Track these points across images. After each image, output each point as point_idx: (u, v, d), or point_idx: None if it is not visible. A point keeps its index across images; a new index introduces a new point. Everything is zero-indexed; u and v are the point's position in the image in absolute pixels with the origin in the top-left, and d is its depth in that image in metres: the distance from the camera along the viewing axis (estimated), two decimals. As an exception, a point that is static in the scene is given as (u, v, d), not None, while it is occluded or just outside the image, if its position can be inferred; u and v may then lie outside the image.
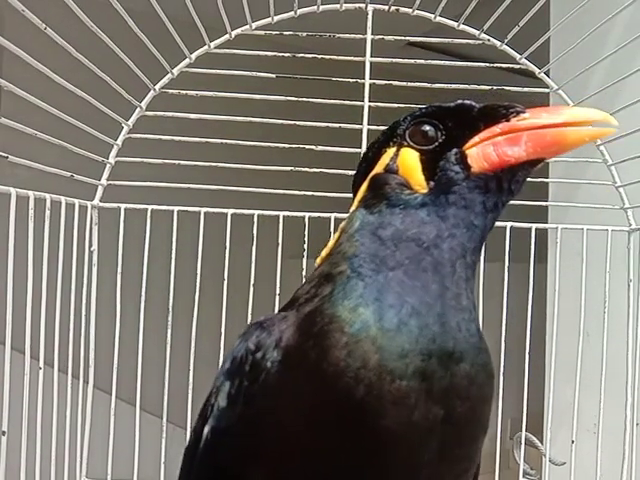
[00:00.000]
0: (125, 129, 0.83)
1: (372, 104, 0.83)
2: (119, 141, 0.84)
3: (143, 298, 0.83)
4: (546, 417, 0.90)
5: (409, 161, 0.45)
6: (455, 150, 0.43)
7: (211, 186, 0.86)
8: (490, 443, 0.82)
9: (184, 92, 0.84)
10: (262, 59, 0.86)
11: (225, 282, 0.85)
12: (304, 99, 0.85)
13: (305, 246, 0.84)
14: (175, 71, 0.83)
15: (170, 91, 0.83)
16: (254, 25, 0.83)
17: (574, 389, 0.84)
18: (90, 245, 0.81)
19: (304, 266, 0.82)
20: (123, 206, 0.84)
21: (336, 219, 0.82)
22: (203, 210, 0.84)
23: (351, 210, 0.47)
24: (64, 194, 0.72)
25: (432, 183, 0.43)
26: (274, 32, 0.84)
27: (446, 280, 0.41)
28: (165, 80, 0.83)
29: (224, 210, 0.85)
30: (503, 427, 0.85)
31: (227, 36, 0.83)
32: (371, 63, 0.84)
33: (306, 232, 0.85)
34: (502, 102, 0.44)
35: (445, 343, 0.39)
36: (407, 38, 0.87)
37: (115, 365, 0.83)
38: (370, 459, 0.39)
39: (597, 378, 0.83)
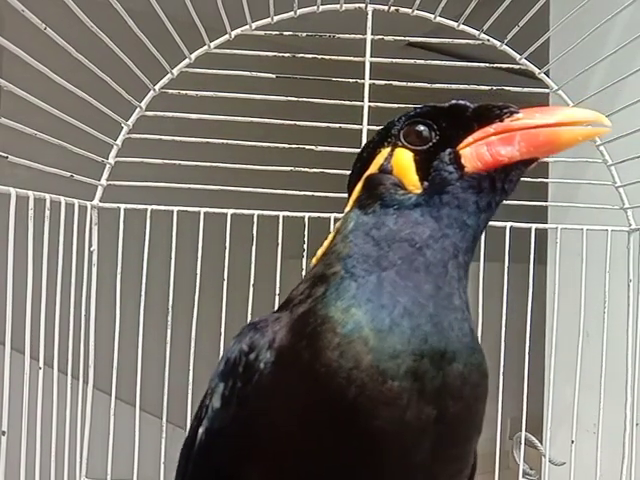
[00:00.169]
0: (125, 129, 0.83)
1: (372, 104, 0.83)
2: (119, 141, 0.84)
3: (143, 298, 0.83)
4: (546, 417, 0.90)
5: (403, 161, 0.45)
6: (449, 150, 0.43)
7: (211, 186, 0.86)
8: (490, 443, 0.82)
9: (184, 92, 0.84)
10: (262, 59, 0.86)
11: (225, 282, 0.85)
12: (304, 99, 0.85)
13: (305, 246, 0.84)
14: (175, 71, 0.83)
15: (170, 91, 0.83)
16: (254, 25, 0.83)
17: (574, 389, 0.84)
18: (90, 245, 0.81)
19: (304, 266, 0.82)
20: (123, 206, 0.84)
21: (336, 219, 0.82)
22: (203, 210, 0.84)
23: (346, 210, 0.47)
24: (64, 194, 0.72)
25: (426, 183, 0.43)
26: (274, 32, 0.84)
27: (438, 280, 0.41)
28: (165, 80, 0.83)
29: (224, 210, 0.85)
30: (503, 427, 0.85)
31: (227, 36, 0.83)
32: (371, 63, 0.84)
33: (306, 232, 0.85)
34: (496, 102, 0.44)
35: (437, 343, 0.39)
36: (407, 38, 0.87)
37: (115, 365, 0.83)
38: (363, 459, 0.39)
39: (597, 378, 0.83)
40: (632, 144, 0.78)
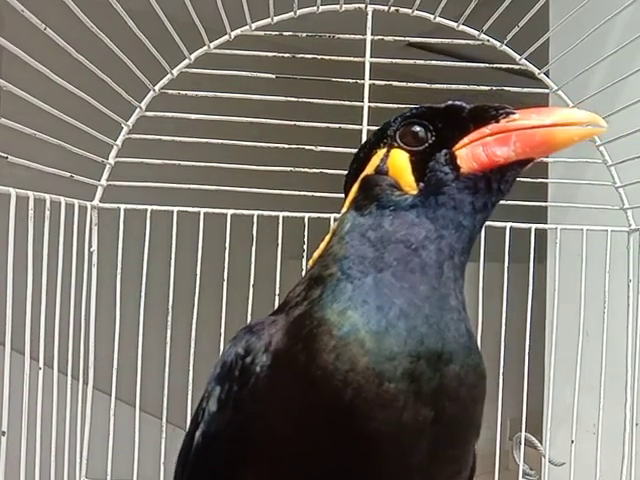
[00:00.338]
0: (125, 129, 0.83)
1: (372, 104, 0.83)
2: (119, 141, 0.84)
3: (143, 298, 0.83)
4: (546, 417, 0.90)
5: (399, 162, 0.45)
6: (445, 151, 0.43)
7: (211, 186, 0.86)
8: (490, 443, 0.82)
9: (184, 92, 0.84)
10: (262, 59, 0.86)
11: (225, 282, 0.85)
12: (304, 99, 0.85)
13: (305, 246, 0.84)
14: (175, 71, 0.83)
15: (170, 91, 0.83)
16: (254, 26, 0.83)
17: (574, 389, 0.84)
18: (90, 245, 0.81)
19: (304, 266, 0.82)
20: (123, 206, 0.84)
21: (335, 219, 0.81)
22: (203, 210, 0.84)
23: (342, 211, 0.47)
24: (64, 194, 0.72)
25: (422, 184, 0.43)
26: (274, 33, 0.84)
27: (434, 281, 0.41)
28: (165, 81, 0.83)
29: (224, 210, 0.85)
30: (502, 427, 0.85)
31: (227, 37, 0.83)
32: (371, 63, 0.84)
33: (305, 232, 0.85)
34: (492, 103, 0.44)
35: (434, 344, 0.39)
36: (407, 39, 0.87)
37: (115, 366, 0.83)
38: (360, 461, 0.39)
39: (597, 378, 0.83)
40: (632, 144, 0.78)
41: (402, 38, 0.86)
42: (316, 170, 0.86)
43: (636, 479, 0.82)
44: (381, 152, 0.46)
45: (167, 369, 0.83)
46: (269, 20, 0.82)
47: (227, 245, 0.84)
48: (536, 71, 0.85)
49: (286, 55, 0.86)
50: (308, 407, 0.39)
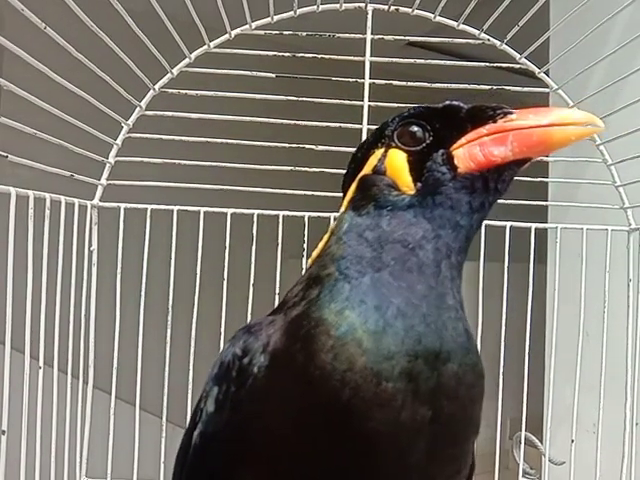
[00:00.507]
0: (125, 129, 0.83)
1: (372, 104, 0.83)
2: (119, 141, 0.84)
3: (143, 298, 0.83)
4: (546, 417, 0.90)
5: (397, 162, 0.45)
6: (442, 151, 0.43)
7: (211, 186, 0.86)
8: (490, 443, 0.82)
9: (184, 92, 0.84)
10: (262, 59, 0.86)
11: (225, 282, 0.85)
12: (304, 99, 0.85)
13: (305, 246, 0.84)
14: (175, 71, 0.83)
15: (170, 91, 0.83)
16: (254, 25, 0.83)
17: (574, 389, 0.84)
18: (90, 245, 0.81)
19: (304, 266, 0.82)
20: (123, 206, 0.84)
21: (335, 219, 0.82)
22: (203, 210, 0.84)
23: (340, 211, 0.47)
24: (64, 194, 0.73)
25: (419, 184, 0.43)
26: (274, 32, 0.84)
27: (431, 280, 0.41)
28: (165, 80, 0.83)
29: (224, 210, 0.85)
30: (502, 427, 0.85)
31: (227, 36, 0.83)
32: (371, 63, 0.84)
33: (306, 232, 0.85)
34: (490, 103, 0.44)
35: (431, 343, 0.39)
36: (407, 38, 0.87)
37: (115, 365, 0.83)
38: (358, 461, 0.39)
39: (597, 378, 0.83)
40: (632, 144, 0.78)
41: (402, 37, 0.86)
42: (316, 169, 0.86)
43: (636, 479, 0.82)
44: (379, 152, 0.46)
45: (167, 368, 0.83)
46: (269, 19, 0.82)
47: (227, 244, 0.84)
48: (536, 70, 0.85)
49: (286, 54, 0.86)
50: (306, 407, 0.39)
